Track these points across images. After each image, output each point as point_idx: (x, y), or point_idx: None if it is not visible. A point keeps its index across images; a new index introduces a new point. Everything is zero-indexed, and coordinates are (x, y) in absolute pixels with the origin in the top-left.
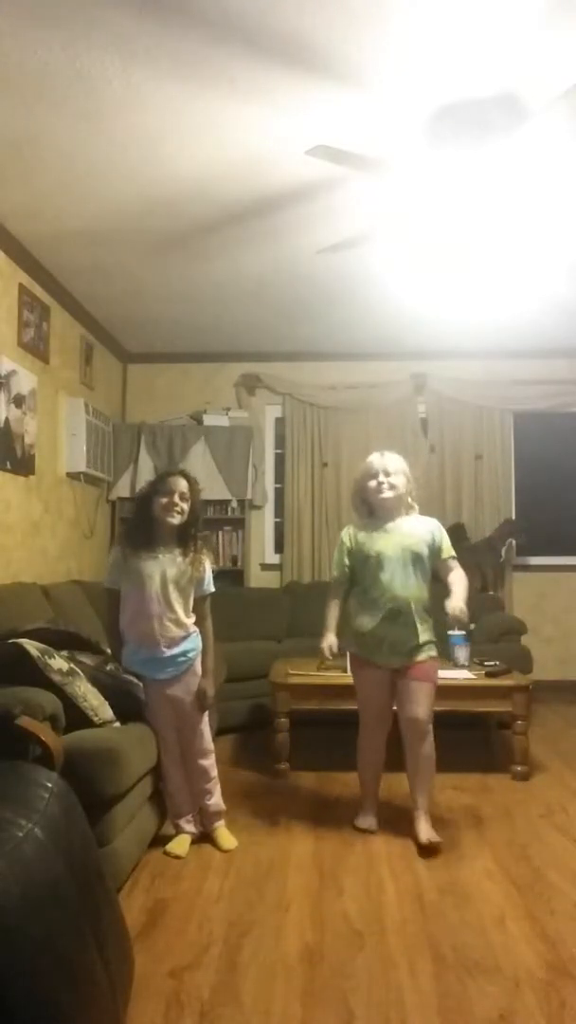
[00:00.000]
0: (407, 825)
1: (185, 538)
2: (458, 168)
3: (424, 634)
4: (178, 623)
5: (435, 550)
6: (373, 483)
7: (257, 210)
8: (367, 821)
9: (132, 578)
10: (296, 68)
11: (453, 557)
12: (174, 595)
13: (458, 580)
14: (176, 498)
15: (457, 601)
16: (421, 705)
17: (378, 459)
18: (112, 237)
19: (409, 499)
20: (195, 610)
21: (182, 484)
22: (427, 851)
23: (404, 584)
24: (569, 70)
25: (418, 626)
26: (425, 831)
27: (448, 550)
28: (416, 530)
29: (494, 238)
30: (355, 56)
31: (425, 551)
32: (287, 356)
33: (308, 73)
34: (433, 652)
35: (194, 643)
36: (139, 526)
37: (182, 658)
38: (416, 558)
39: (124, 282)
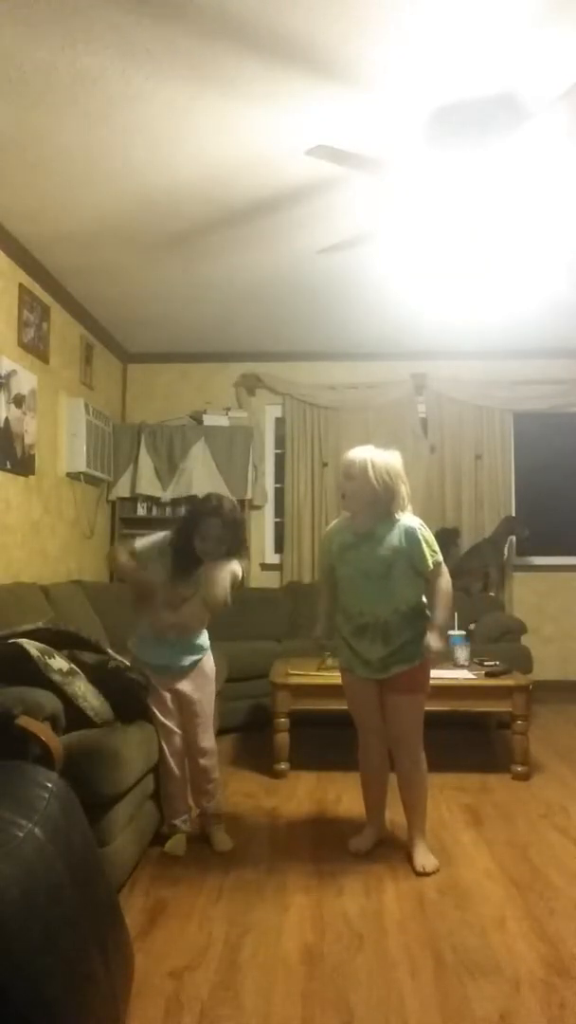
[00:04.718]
0: (404, 827)
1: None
2: (458, 168)
3: (400, 646)
4: (201, 621)
5: (411, 559)
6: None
7: (257, 210)
8: (356, 841)
9: (163, 578)
10: (296, 68)
11: (437, 564)
12: (200, 604)
13: (439, 596)
14: (212, 544)
15: (434, 638)
16: (404, 722)
17: (344, 459)
18: (113, 237)
19: (392, 502)
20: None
21: (218, 528)
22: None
23: (374, 599)
24: (569, 70)
25: (392, 639)
26: (419, 858)
27: (425, 560)
28: (392, 539)
29: (494, 238)
30: (355, 56)
31: (400, 560)
32: (287, 356)
33: (308, 73)
34: (413, 661)
35: (204, 640)
36: (183, 555)
37: (194, 653)
38: (388, 571)
39: (124, 282)
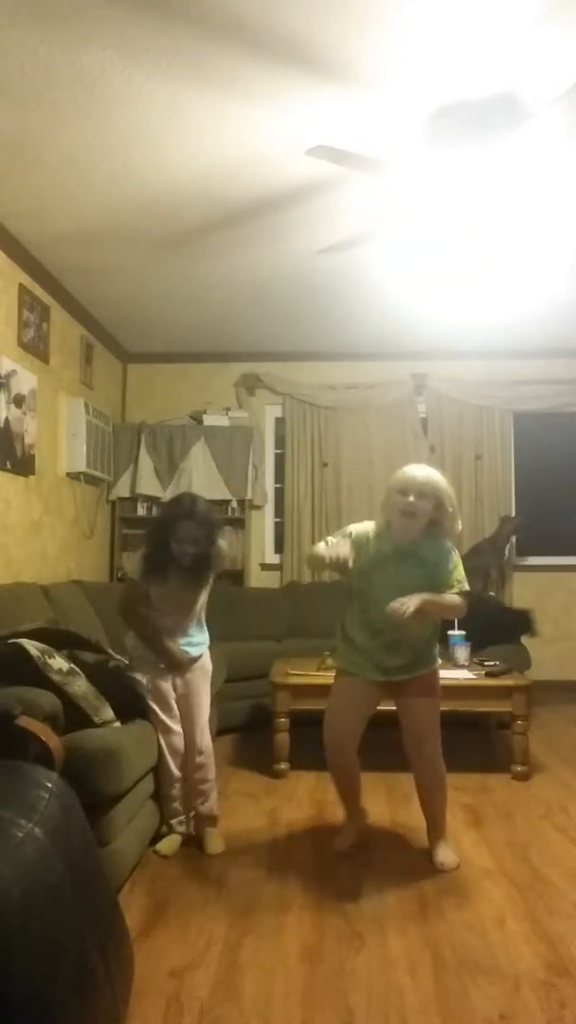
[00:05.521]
0: (404, 826)
1: (201, 567)
2: (458, 168)
3: (418, 651)
4: (194, 621)
5: (439, 580)
6: (401, 500)
7: (257, 210)
8: (340, 840)
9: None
10: (296, 68)
11: (462, 593)
12: (190, 611)
13: (448, 595)
14: (188, 545)
15: (412, 599)
16: (423, 724)
17: (412, 474)
18: (112, 237)
19: (452, 525)
20: None
21: (194, 530)
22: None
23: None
24: (569, 70)
25: (412, 648)
26: (440, 855)
27: (452, 585)
28: (427, 557)
29: (494, 238)
30: (355, 56)
31: (429, 582)
32: (287, 356)
33: (308, 73)
34: (431, 665)
35: (204, 637)
36: (156, 559)
37: (193, 648)
38: (418, 588)
39: (124, 282)
